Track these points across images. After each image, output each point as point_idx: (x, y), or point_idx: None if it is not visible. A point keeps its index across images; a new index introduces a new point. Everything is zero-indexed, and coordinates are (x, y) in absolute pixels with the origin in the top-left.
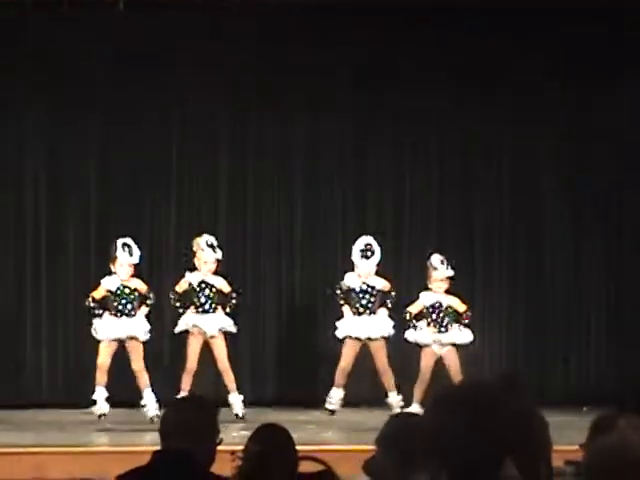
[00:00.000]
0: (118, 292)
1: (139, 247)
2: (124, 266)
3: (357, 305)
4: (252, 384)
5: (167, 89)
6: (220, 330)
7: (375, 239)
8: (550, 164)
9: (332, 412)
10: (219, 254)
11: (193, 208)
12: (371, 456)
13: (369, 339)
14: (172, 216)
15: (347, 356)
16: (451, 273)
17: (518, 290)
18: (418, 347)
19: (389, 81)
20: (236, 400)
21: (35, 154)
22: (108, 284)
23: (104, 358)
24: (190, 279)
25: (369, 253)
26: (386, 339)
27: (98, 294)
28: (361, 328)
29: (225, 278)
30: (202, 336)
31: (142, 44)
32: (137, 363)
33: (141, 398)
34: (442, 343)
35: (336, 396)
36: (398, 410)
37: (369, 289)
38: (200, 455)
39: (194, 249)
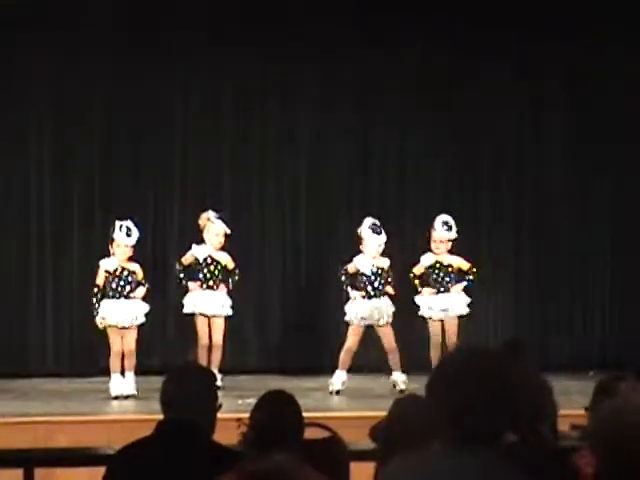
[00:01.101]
0: (116, 273)
1: (141, 228)
2: (121, 247)
3: (368, 288)
4: (257, 353)
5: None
6: (221, 313)
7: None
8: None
9: (337, 392)
10: (227, 229)
11: (197, 190)
12: (377, 422)
13: (378, 325)
14: (176, 198)
15: (354, 338)
16: (452, 236)
17: (521, 256)
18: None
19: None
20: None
21: (40, 137)
22: (106, 265)
23: (117, 345)
24: (196, 253)
25: (379, 229)
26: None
27: (100, 280)
28: (371, 313)
29: (231, 256)
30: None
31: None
32: (129, 346)
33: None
34: (442, 309)
35: (340, 379)
36: (402, 387)
37: (379, 271)
38: (202, 423)
39: (201, 223)
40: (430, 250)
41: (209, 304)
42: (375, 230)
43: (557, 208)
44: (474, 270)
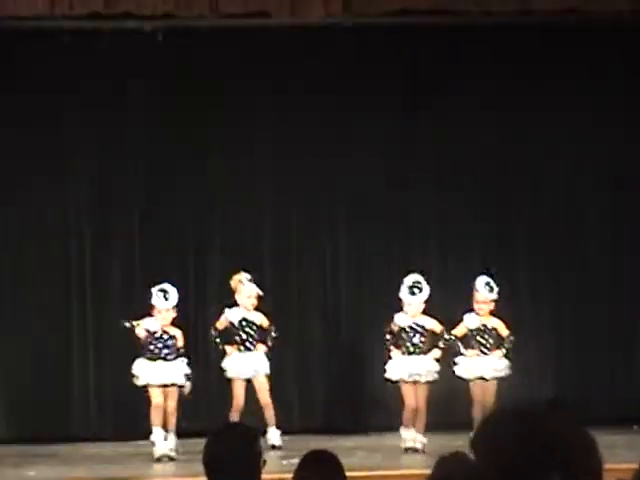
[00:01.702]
0: (156, 336)
1: (180, 290)
2: (162, 312)
3: (407, 344)
4: (300, 413)
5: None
6: (260, 372)
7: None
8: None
9: (414, 450)
10: (260, 290)
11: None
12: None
13: (415, 382)
14: (216, 260)
15: (408, 396)
16: (494, 296)
17: (563, 305)
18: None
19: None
20: (274, 433)
21: (77, 179)
22: (149, 325)
23: (157, 398)
24: (230, 316)
25: (416, 290)
26: (431, 383)
27: (141, 333)
28: (412, 369)
29: (265, 314)
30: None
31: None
32: (171, 404)
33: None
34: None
35: (408, 436)
36: (418, 446)
37: (419, 328)
38: None
39: (232, 285)
40: (473, 310)
41: (248, 366)
42: (412, 291)
43: (595, 254)
44: (511, 339)
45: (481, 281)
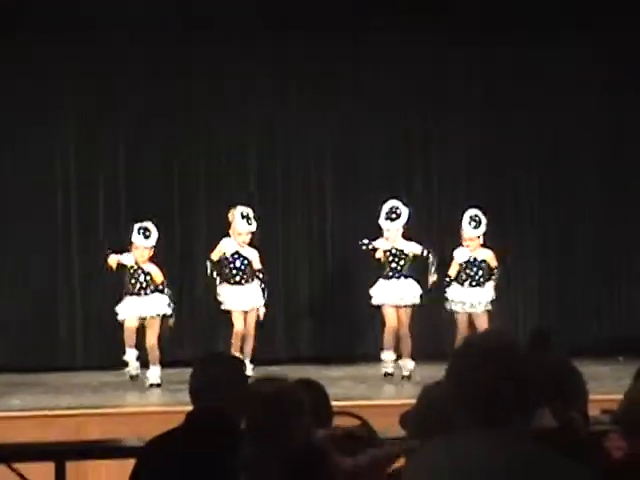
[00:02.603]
0: (132, 272)
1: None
2: (139, 249)
3: (387, 269)
4: (286, 343)
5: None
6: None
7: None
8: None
9: (389, 375)
10: (253, 226)
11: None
12: (407, 409)
13: (397, 306)
14: (201, 189)
15: (389, 317)
16: (478, 233)
17: (549, 241)
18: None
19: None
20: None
21: (65, 120)
22: (125, 260)
23: (130, 322)
24: (225, 247)
25: (394, 215)
26: (413, 307)
27: (112, 262)
28: (393, 294)
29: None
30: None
31: None
32: (151, 339)
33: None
34: (472, 304)
35: (387, 358)
36: (406, 374)
37: (398, 252)
38: (231, 411)
39: (229, 219)
40: (462, 245)
41: (242, 299)
42: (389, 216)
43: (582, 195)
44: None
45: (466, 217)
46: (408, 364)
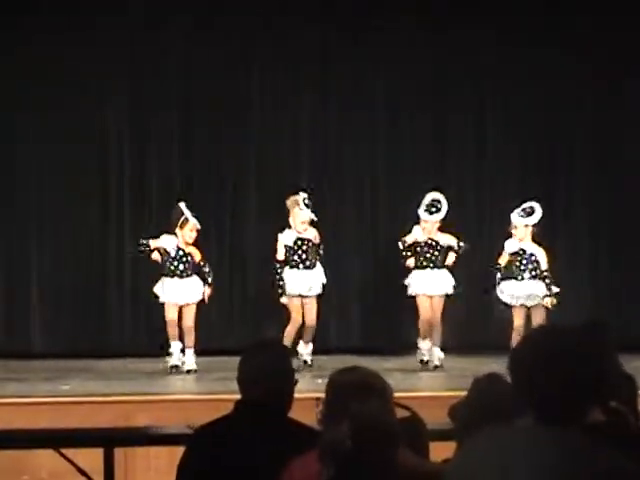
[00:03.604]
0: (174, 254)
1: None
2: (194, 231)
3: (421, 258)
4: (337, 333)
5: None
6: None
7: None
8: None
9: (424, 362)
10: (313, 215)
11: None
12: (457, 401)
13: (431, 296)
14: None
15: (423, 307)
16: (530, 221)
17: (600, 234)
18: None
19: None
20: (307, 349)
21: (118, 106)
22: (165, 243)
23: (171, 314)
24: (284, 239)
25: (434, 209)
26: (447, 296)
27: (154, 244)
28: (428, 284)
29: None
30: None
31: None
32: (187, 322)
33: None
34: (528, 297)
35: (424, 347)
36: (437, 363)
37: (433, 243)
38: (278, 401)
39: (288, 205)
40: (511, 236)
41: (304, 283)
42: (429, 210)
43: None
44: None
45: (517, 210)
46: (438, 353)
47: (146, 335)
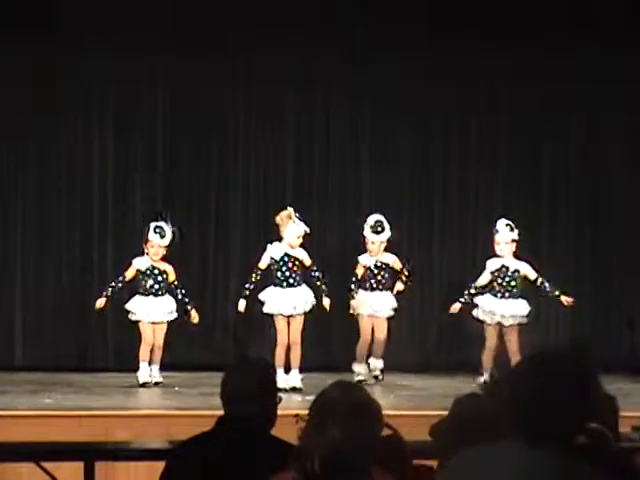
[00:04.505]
0: (147, 272)
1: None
2: (154, 247)
3: (371, 281)
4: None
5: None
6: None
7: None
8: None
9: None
10: (307, 228)
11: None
12: (438, 420)
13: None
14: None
15: (365, 329)
16: (515, 236)
17: (584, 252)
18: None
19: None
20: (296, 375)
21: (102, 113)
22: (138, 264)
23: (149, 335)
24: (272, 253)
25: (379, 228)
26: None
27: (129, 274)
28: (374, 305)
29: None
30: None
31: None
32: (159, 340)
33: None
34: (504, 315)
35: (361, 370)
36: (377, 374)
37: (381, 265)
38: (261, 418)
39: (278, 221)
40: (495, 255)
41: (288, 303)
42: (374, 230)
43: (616, 209)
44: (545, 282)
45: (501, 222)
46: (378, 365)
47: (129, 349)
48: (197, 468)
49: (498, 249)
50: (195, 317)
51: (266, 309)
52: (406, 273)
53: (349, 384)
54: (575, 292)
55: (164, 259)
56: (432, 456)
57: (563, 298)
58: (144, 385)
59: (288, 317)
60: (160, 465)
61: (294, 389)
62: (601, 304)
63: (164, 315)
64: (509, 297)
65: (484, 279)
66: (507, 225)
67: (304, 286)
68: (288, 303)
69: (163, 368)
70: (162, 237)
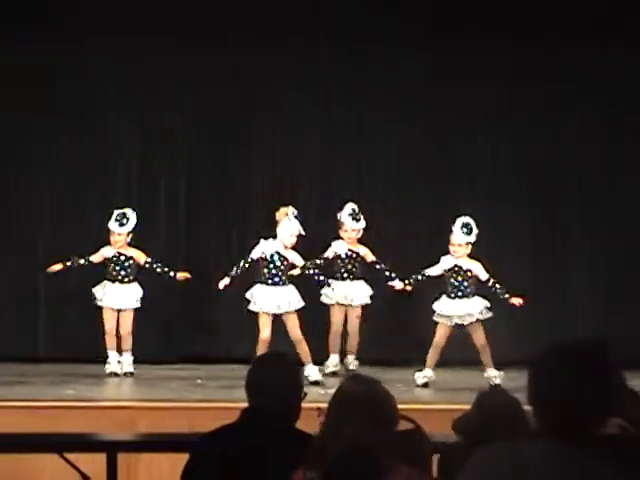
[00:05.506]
0: (114, 259)
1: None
2: (114, 235)
3: (342, 271)
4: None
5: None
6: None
7: None
8: None
9: (334, 373)
10: (301, 229)
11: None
12: (461, 414)
13: (350, 305)
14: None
15: (337, 320)
16: (471, 239)
17: (599, 249)
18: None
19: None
20: (313, 369)
21: (122, 112)
22: (106, 252)
23: (110, 324)
24: (264, 248)
25: (358, 216)
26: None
27: (95, 258)
28: (344, 294)
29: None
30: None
31: None
32: (126, 327)
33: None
34: (459, 315)
35: (332, 362)
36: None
37: (353, 255)
38: (285, 411)
39: (277, 217)
40: (448, 253)
41: (274, 301)
42: (354, 217)
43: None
44: (496, 284)
45: (458, 222)
46: (354, 362)
47: (153, 341)
48: (221, 460)
49: (452, 250)
50: (183, 275)
51: (250, 307)
52: (409, 288)
53: (365, 378)
54: (605, 285)
55: (130, 245)
56: (455, 450)
57: (513, 300)
58: (112, 375)
59: (273, 315)
60: (183, 457)
61: (316, 383)
62: (619, 299)
63: (129, 302)
64: (462, 297)
65: (434, 271)
66: (464, 226)
67: (290, 286)
68: (272, 301)
69: (187, 361)
70: (122, 225)
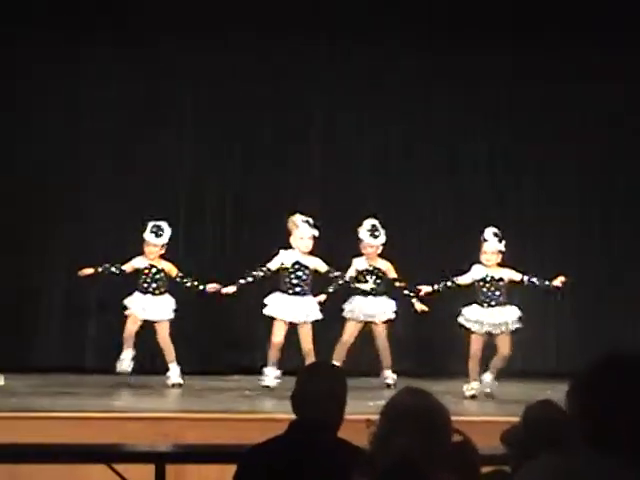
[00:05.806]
0: (145, 270)
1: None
2: (149, 246)
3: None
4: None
5: None
6: (308, 319)
7: None
8: None
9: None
10: (316, 231)
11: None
12: (510, 427)
13: (374, 322)
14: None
15: (350, 334)
16: (503, 248)
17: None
18: (467, 330)
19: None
20: (389, 374)
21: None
22: (137, 263)
23: (132, 325)
24: (284, 258)
25: (377, 233)
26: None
27: (127, 268)
28: (367, 310)
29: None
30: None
31: None
32: (163, 340)
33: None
34: (493, 323)
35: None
36: (391, 382)
37: (374, 270)
38: (333, 422)
39: (289, 226)
40: (480, 262)
41: (294, 310)
42: (372, 234)
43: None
44: (532, 278)
45: (489, 231)
46: (391, 375)
47: (199, 353)
48: (268, 472)
49: (485, 259)
50: (213, 287)
51: (266, 311)
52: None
53: (419, 390)
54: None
55: (162, 257)
56: (503, 463)
57: (556, 282)
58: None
59: (289, 324)
60: (231, 469)
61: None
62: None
63: (162, 314)
64: (495, 305)
65: (465, 280)
66: (495, 235)
67: (310, 296)
68: (290, 310)
69: (236, 372)
70: (158, 236)
